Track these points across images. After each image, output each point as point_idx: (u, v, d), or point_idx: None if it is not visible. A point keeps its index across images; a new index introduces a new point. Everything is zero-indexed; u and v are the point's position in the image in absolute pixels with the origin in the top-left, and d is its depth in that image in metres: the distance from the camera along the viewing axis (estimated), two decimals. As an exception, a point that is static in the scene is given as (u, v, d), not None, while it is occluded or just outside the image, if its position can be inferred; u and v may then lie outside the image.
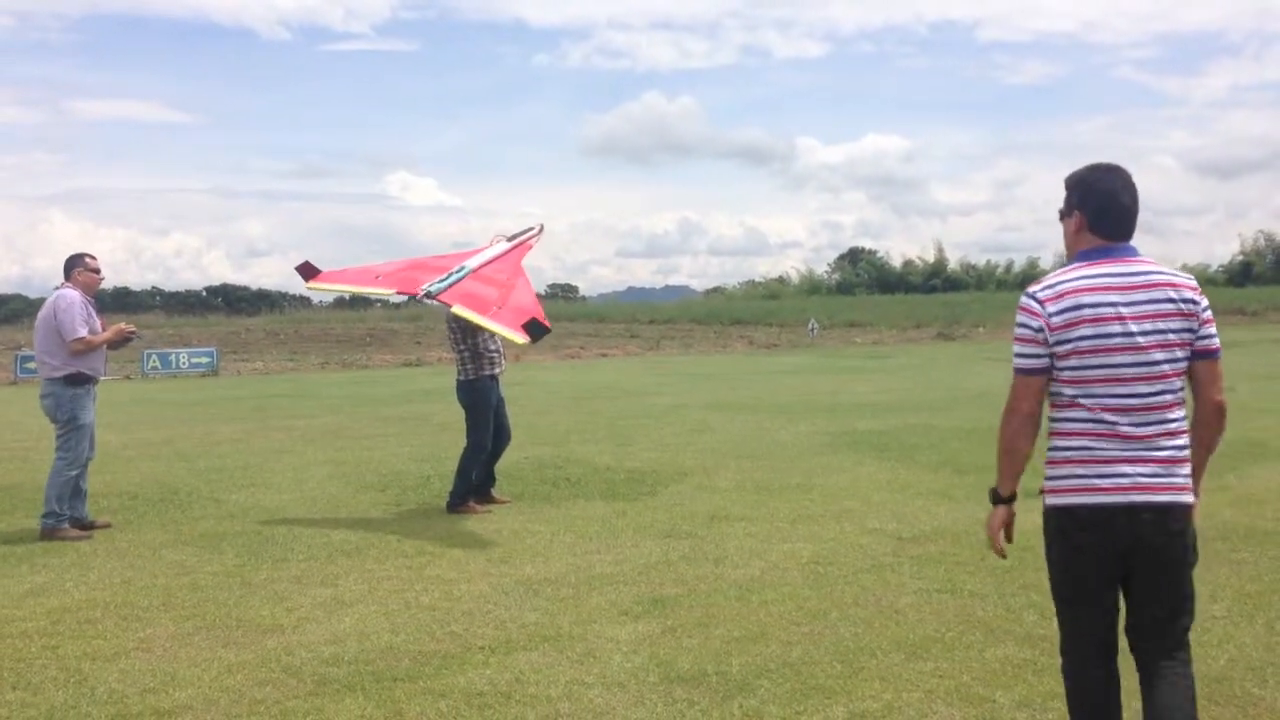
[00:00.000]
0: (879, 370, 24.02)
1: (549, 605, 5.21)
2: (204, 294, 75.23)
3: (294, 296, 76.71)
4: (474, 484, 7.69)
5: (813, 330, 42.75)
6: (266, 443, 12.02)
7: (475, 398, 7.61)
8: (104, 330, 7.13)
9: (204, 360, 29.34)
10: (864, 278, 78.00)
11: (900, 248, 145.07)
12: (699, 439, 11.48)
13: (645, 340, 42.64)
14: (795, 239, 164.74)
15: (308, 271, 7.88)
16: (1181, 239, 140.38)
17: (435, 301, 7.26)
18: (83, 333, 6.92)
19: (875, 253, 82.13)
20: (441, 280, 7.28)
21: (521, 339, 6.84)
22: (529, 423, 12.46)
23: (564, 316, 51.70)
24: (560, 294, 79.01)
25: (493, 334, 7.20)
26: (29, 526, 7.19)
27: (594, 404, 16.33)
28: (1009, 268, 77.21)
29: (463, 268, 7.47)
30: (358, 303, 65.16)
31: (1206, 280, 71.44)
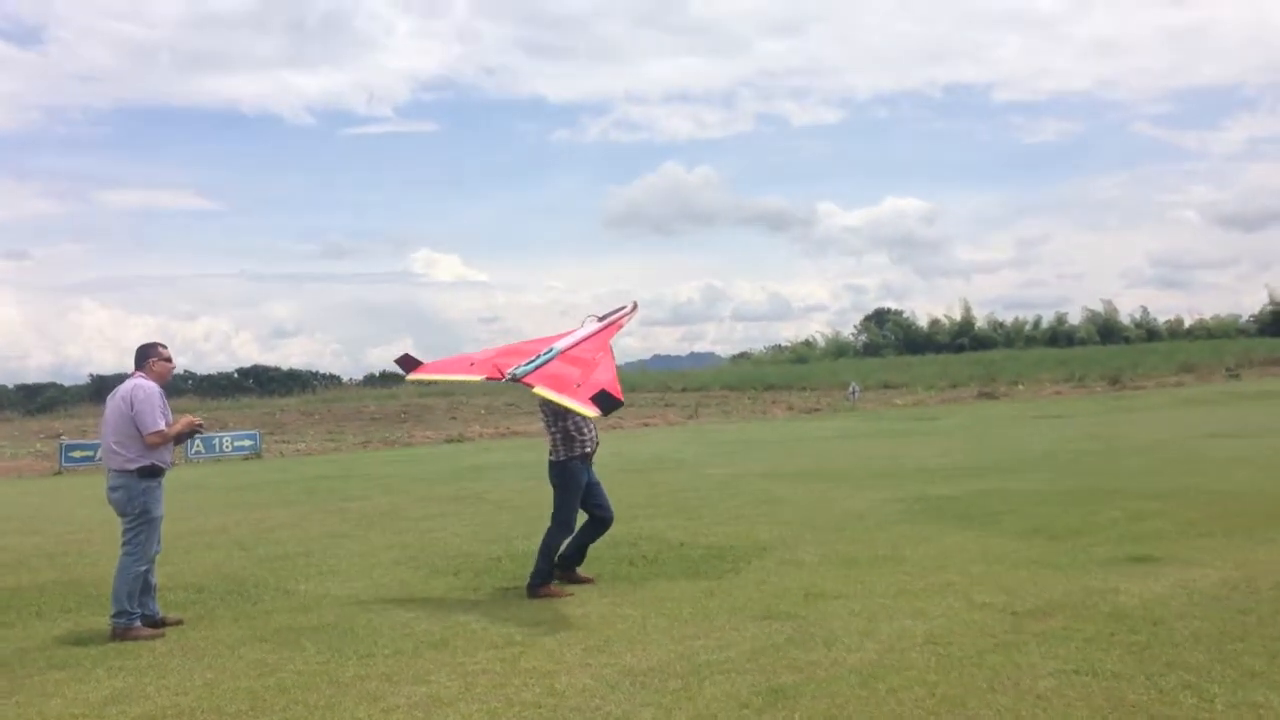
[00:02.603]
0: (931, 432, 23.59)
1: (660, 699, 4.87)
2: (235, 376, 75.62)
3: (324, 375, 77.30)
4: (556, 563, 7.43)
5: (854, 393, 42.35)
6: (323, 527, 11.77)
7: (565, 478, 7.42)
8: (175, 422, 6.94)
9: (247, 443, 29.31)
10: (891, 339, 77.85)
11: (924, 308, 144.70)
12: (769, 510, 11.13)
13: (682, 409, 42.43)
14: (819, 302, 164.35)
15: (408, 364, 7.76)
16: (1208, 292, 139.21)
17: (520, 384, 7.09)
18: (161, 425, 6.71)
19: (901, 313, 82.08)
20: (529, 363, 7.16)
21: (593, 412, 6.65)
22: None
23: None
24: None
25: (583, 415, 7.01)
26: (97, 626, 6.93)
27: (650, 476, 16.02)
28: (1037, 324, 76.93)
29: (551, 350, 7.35)
30: (389, 379, 65.13)
31: (1238, 331, 70.56)
